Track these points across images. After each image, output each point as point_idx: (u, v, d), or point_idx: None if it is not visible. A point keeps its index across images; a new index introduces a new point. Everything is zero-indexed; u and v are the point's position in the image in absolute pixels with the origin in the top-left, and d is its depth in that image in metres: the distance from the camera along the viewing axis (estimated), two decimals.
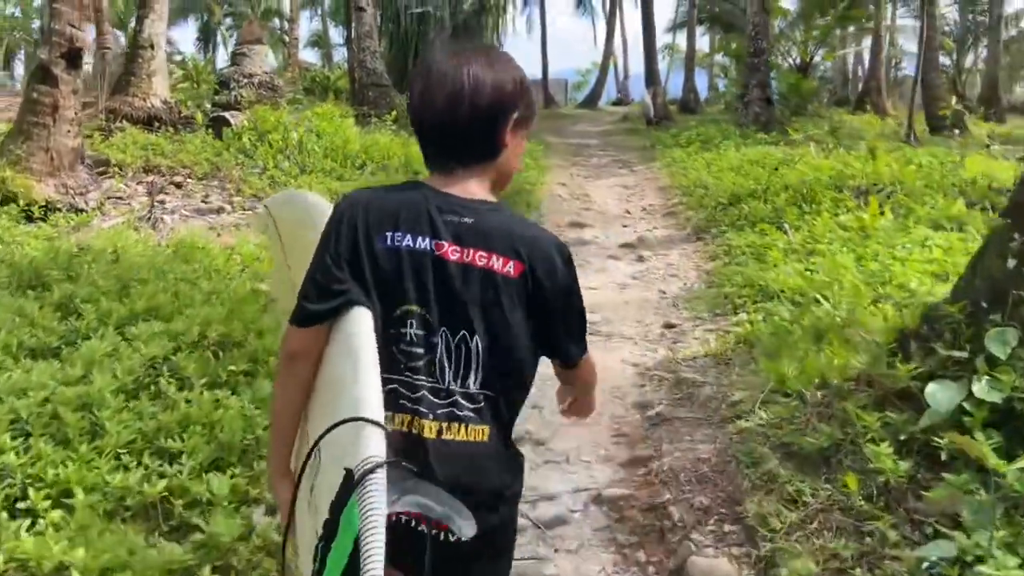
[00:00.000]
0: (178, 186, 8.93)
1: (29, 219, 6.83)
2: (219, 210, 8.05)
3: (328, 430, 1.44)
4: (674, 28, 40.62)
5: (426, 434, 1.51)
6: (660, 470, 3.59)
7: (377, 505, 1.31)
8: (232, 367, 3.93)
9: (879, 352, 3.50)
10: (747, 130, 15.74)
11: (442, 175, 1.62)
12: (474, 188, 1.61)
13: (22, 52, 40.45)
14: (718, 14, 30.74)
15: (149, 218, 7.27)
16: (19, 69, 40.66)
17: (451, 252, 1.54)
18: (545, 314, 1.58)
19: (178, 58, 30.17)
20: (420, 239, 1.55)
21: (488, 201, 1.61)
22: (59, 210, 6.97)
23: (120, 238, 6.15)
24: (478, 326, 1.54)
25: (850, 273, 5.75)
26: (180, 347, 4.05)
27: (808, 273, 5.94)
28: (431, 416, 1.52)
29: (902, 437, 3.11)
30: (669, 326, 5.63)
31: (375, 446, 1.37)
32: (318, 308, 1.54)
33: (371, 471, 1.34)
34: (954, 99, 18.34)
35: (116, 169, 9.32)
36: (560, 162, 14.87)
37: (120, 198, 8.10)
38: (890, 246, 6.57)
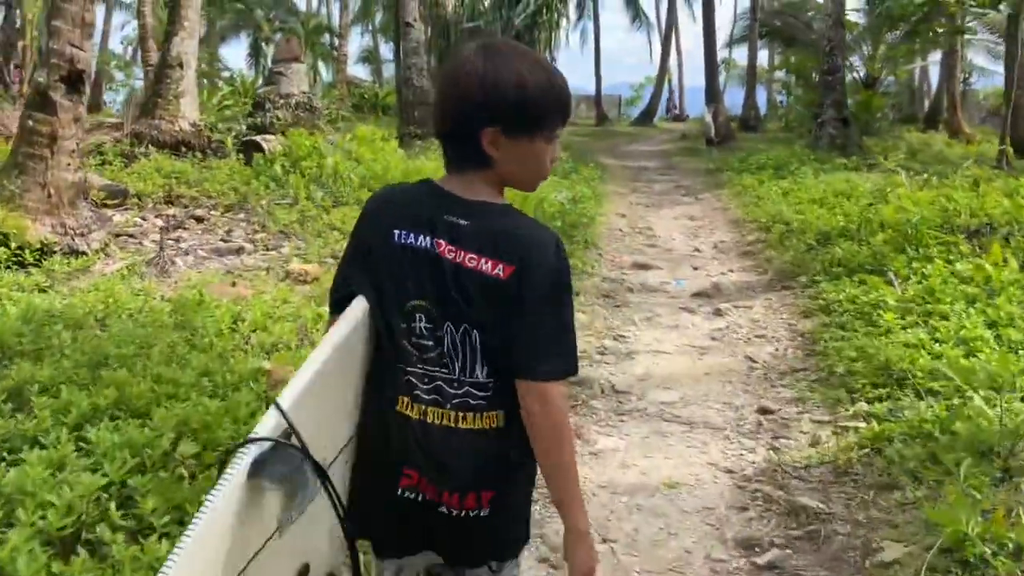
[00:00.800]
0: (199, 220, 8.10)
1: (21, 264, 6.00)
2: (239, 250, 7.17)
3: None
4: (730, 43, 39.44)
5: (445, 422, 1.60)
6: None
7: (226, 479, 1.37)
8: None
9: None
10: (822, 153, 14.51)
11: (449, 174, 1.66)
12: (477, 188, 1.62)
13: None
14: (779, 28, 29.42)
15: (158, 261, 6.41)
16: None
17: (447, 252, 1.58)
18: (524, 310, 1.55)
19: (226, 74, 29.96)
20: (422, 237, 1.60)
21: (489, 203, 1.62)
22: (55, 253, 6.13)
23: (114, 291, 5.27)
24: (475, 323, 1.58)
25: (990, 347, 4.67)
26: (145, 464, 3.12)
27: (936, 345, 4.84)
28: (448, 405, 1.60)
29: None
30: (765, 411, 4.56)
31: (263, 425, 1.46)
32: (334, 298, 1.71)
33: (240, 445, 1.44)
34: None
35: (135, 200, 8.56)
36: (618, 188, 13.83)
37: (131, 236, 7.28)
38: None
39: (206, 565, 1.34)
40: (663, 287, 7.42)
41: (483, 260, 1.56)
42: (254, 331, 4.84)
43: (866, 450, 3.85)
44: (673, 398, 4.79)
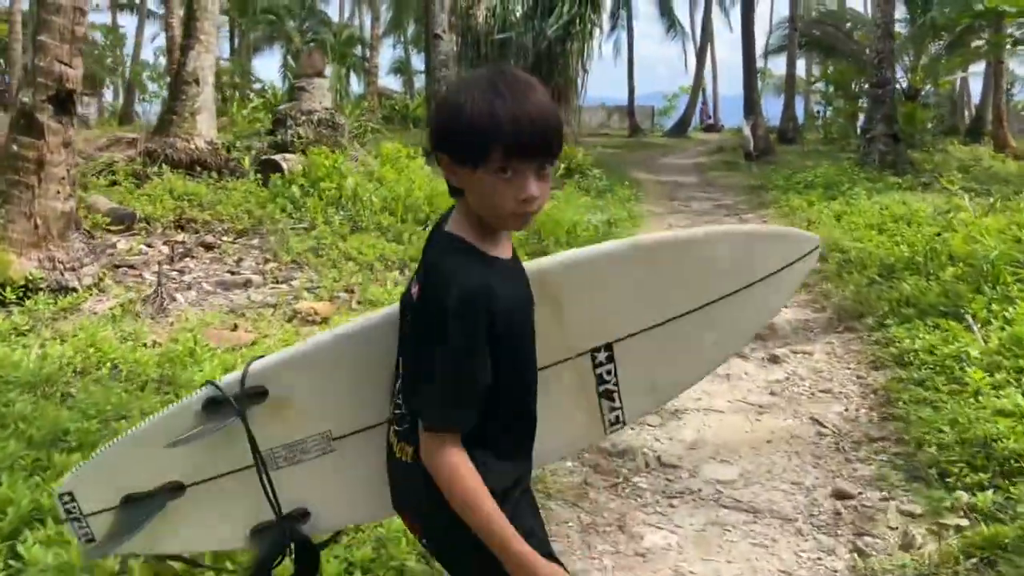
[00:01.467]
0: (208, 247, 7.55)
1: (2, 304, 5.47)
2: (247, 283, 6.59)
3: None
4: (766, 53, 38.59)
5: (389, 437, 1.68)
6: None
7: (179, 403, 1.73)
8: None
9: None
10: (872, 171, 13.70)
11: None
12: (454, 219, 1.62)
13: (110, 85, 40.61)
14: (819, 37, 28.63)
15: (155, 298, 5.84)
16: (107, 96, 40.86)
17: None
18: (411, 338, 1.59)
19: (257, 86, 29.70)
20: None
21: (449, 235, 1.59)
22: (41, 291, 5.59)
23: (97, 338, 4.71)
24: (400, 347, 1.66)
25: None
26: None
27: None
28: (394, 425, 1.67)
29: None
30: (843, 496, 3.86)
31: (224, 378, 1.75)
32: None
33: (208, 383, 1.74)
34: None
35: (143, 225, 8.04)
36: (655, 207, 13.11)
37: (132, 267, 6.73)
38: None
39: (143, 460, 1.72)
40: None
41: (412, 284, 1.63)
42: None
43: (974, 560, 3.15)
44: (731, 475, 4.11)
